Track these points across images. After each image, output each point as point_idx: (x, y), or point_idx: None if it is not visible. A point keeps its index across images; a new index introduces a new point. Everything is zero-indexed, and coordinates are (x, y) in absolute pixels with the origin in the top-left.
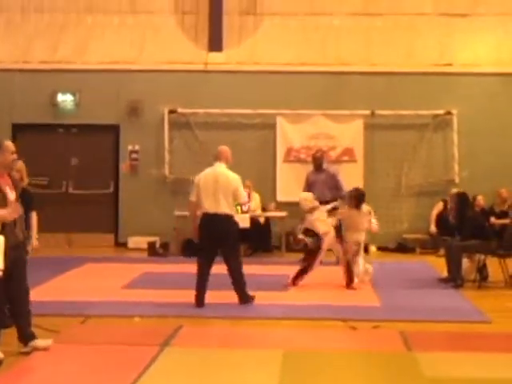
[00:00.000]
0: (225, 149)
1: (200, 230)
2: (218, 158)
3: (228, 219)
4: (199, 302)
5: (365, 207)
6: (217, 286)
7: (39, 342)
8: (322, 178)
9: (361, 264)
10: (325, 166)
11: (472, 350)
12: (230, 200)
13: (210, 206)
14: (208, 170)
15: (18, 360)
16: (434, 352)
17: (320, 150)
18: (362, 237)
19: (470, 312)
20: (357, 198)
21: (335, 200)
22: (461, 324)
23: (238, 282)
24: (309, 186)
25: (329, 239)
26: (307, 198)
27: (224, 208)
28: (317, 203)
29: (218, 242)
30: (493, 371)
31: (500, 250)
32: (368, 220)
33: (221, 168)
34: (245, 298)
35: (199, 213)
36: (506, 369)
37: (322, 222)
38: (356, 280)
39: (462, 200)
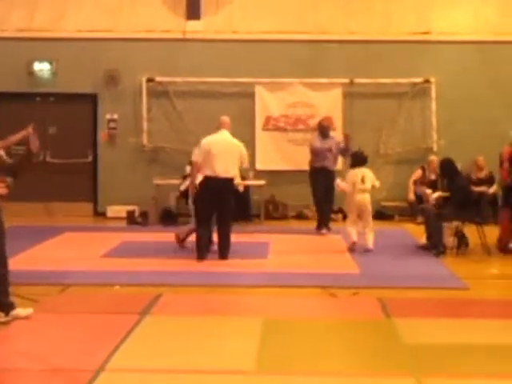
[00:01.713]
0: (227, 119)
1: (203, 189)
2: (221, 126)
3: (231, 182)
4: (201, 254)
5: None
6: (195, 255)
7: (20, 311)
8: (327, 146)
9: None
10: (331, 133)
11: (450, 317)
12: (236, 165)
13: (220, 170)
14: (216, 136)
15: None
16: (412, 318)
17: (326, 117)
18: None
19: (447, 278)
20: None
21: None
22: (439, 291)
23: (226, 240)
24: (315, 154)
25: None
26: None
27: (232, 172)
28: None
29: (218, 202)
30: (470, 337)
31: (477, 217)
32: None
33: (227, 135)
34: (226, 255)
35: (203, 174)
36: (483, 334)
37: None
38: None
39: (451, 167)
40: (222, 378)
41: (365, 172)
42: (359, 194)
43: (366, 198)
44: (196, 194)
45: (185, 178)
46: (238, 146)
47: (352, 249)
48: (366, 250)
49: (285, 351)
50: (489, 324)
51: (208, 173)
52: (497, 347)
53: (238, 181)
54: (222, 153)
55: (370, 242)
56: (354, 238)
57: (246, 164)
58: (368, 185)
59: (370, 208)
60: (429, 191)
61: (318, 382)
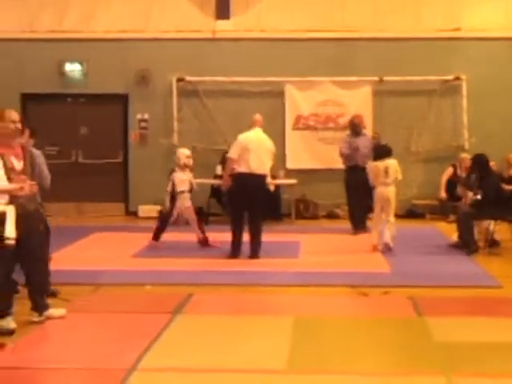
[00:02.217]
0: (260, 117)
1: (237, 186)
2: (254, 124)
3: (265, 179)
4: (234, 253)
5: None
6: (227, 254)
7: (53, 312)
8: (362, 143)
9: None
10: (363, 132)
11: (482, 315)
12: (269, 162)
13: (256, 166)
14: (251, 133)
15: (30, 329)
16: (444, 317)
17: (357, 115)
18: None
19: (480, 277)
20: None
21: None
22: (471, 289)
23: (257, 237)
24: (353, 152)
25: None
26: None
27: (266, 168)
28: None
29: (250, 198)
30: (502, 336)
31: (510, 215)
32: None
33: (261, 132)
34: (257, 254)
35: (238, 170)
36: None
37: None
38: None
39: (484, 163)
40: (253, 377)
41: (389, 164)
42: (382, 186)
43: (389, 191)
44: (229, 191)
45: (216, 177)
46: (272, 144)
47: (376, 250)
48: (386, 246)
49: (316, 350)
50: None
51: (243, 169)
52: None
53: (269, 180)
54: (256, 150)
55: (387, 237)
56: (375, 240)
57: (272, 163)
58: (391, 178)
59: (393, 202)
60: (470, 194)
61: (349, 380)
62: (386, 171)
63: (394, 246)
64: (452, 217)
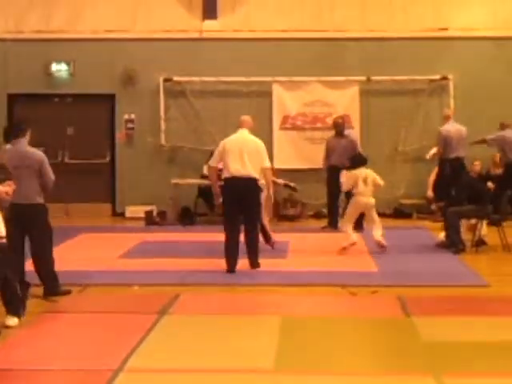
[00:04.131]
0: (247, 118)
1: (224, 193)
2: (241, 125)
3: (253, 182)
4: (231, 267)
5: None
6: (214, 254)
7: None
8: (342, 145)
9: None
10: (346, 132)
11: (470, 314)
12: (257, 164)
13: (236, 169)
14: (233, 136)
15: (15, 331)
16: (432, 316)
17: (341, 115)
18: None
19: (467, 276)
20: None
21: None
22: (458, 288)
23: (253, 246)
24: (329, 152)
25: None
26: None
27: (250, 171)
28: None
29: (241, 204)
30: (491, 335)
31: (496, 214)
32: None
33: (246, 134)
34: (256, 263)
35: (224, 176)
36: (503, 332)
37: None
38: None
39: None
40: (240, 377)
41: (367, 173)
42: (361, 196)
43: (370, 201)
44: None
45: (202, 177)
46: (260, 144)
47: (347, 249)
48: (381, 247)
49: (303, 350)
50: (510, 321)
51: (225, 174)
52: None
53: (261, 182)
54: (236, 152)
55: (381, 237)
56: (354, 238)
57: (265, 164)
58: (369, 187)
59: (374, 210)
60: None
61: (336, 380)
62: (365, 181)
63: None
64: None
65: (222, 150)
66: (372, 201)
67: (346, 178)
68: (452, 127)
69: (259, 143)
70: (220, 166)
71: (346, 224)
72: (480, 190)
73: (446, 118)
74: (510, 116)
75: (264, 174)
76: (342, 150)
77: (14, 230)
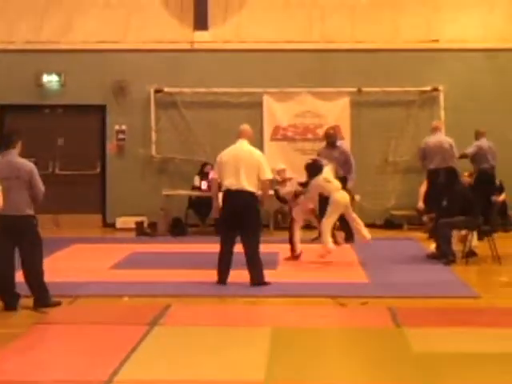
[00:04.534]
0: (247, 127)
1: (222, 205)
2: (240, 135)
3: (249, 196)
4: (222, 279)
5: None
6: (205, 265)
7: None
8: (335, 155)
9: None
10: (338, 143)
11: (460, 325)
12: (253, 177)
13: (231, 183)
14: (231, 148)
15: (3, 341)
16: (423, 327)
17: (332, 126)
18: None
19: (457, 287)
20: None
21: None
22: (449, 299)
23: (254, 261)
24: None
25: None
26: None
27: (246, 185)
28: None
29: (238, 219)
30: (481, 346)
31: (486, 226)
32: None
33: (244, 145)
34: (259, 279)
35: (221, 190)
36: (494, 343)
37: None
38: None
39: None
40: None
41: (326, 174)
42: (337, 192)
43: (346, 195)
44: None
45: (193, 188)
46: (258, 156)
47: (324, 256)
48: (367, 243)
49: (294, 361)
50: (500, 333)
51: (223, 187)
52: (508, 356)
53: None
54: (232, 164)
55: (366, 233)
56: (331, 245)
57: (264, 176)
58: (336, 183)
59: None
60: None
61: None
62: (328, 180)
63: (372, 257)
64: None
65: (219, 161)
66: (347, 195)
67: (308, 192)
68: (433, 139)
69: (257, 155)
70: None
71: (326, 228)
72: (471, 201)
73: (433, 130)
74: (501, 127)
75: (262, 186)
76: (334, 161)
77: (3, 241)
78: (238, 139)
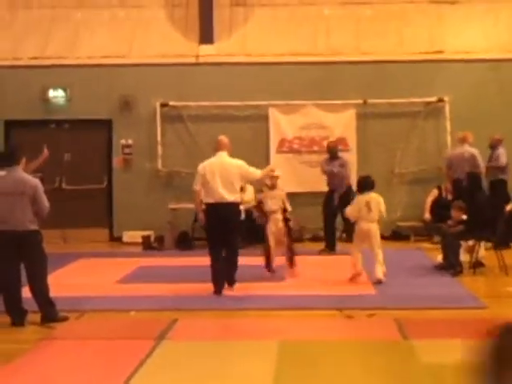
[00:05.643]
0: (224, 138)
1: (207, 219)
2: (219, 147)
3: (232, 207)
4: (217, 290)
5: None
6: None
7: None
8: (336, 166)
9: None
10: (339, 154)
11: (468, 337)
12: (235, 187)
13: (213, 195)
14: (212, 160)
15: (12, 357)
16: (430, 339)
17: (332, 140)
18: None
19: (465, 298)
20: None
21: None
22: (456, 310)
23: (231, 268)
24: (328, 176)
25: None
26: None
27: (228, 196)
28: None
29: (222, 229)
30: None
31: (494, 236)
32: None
33: (224, 157)
34: (233, 281)
35: (204, 202)
36: None
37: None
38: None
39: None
40: None
41: (371, 198)
42: (364, 222)
43: (371, 228)
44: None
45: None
46: (238, 165)
47: (355, 279)
48: (378, 282)
49: (301, 374)
50: None
51: (206, 199)
52: None
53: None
54: (214, 176)
55: (380, 273)
56: (359, 268)
57: (252, 176)
58: (374, 214)
59: (378, 238)
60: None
61: None
62: (368, 206)
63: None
64: (436, 238)
65: (202, 174)
66: (375, 228)
67: (351, 205)
68: (456, 150)
69: (237, 165)
70: None
71: (353, 250)
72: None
73: (459, 141)
74: (506, 137)
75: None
76: (335, 173)
77: (9, 256)
78: (216, 152)
